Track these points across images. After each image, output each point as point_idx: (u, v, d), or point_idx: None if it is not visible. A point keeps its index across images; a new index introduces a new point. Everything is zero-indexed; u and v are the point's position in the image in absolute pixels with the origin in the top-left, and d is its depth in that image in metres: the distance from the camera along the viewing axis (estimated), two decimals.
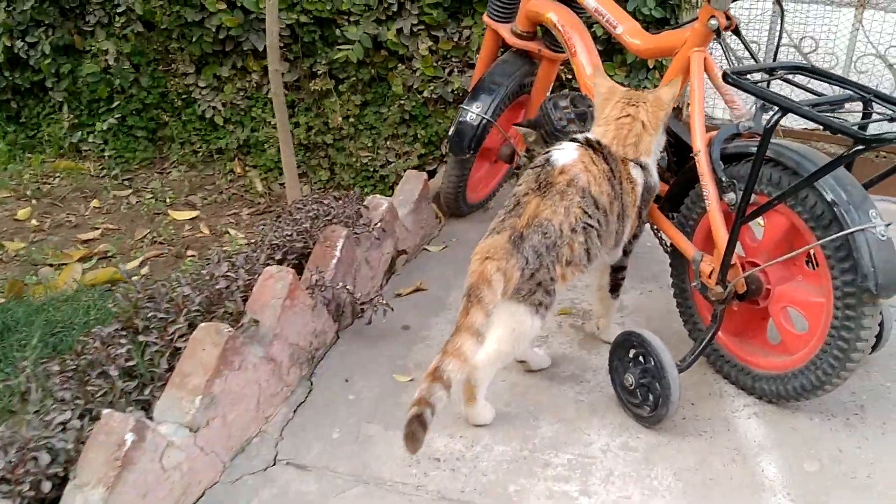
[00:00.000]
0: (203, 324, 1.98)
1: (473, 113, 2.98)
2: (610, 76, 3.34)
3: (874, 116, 2.07)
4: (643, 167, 2.24)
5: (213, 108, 4.16)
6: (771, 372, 2.25)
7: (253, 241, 2.65)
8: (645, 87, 3.50)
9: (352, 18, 3.80)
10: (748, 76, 2.12)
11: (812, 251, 2.12)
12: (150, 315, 2.08)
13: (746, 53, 2.54)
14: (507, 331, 2.05)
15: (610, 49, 3.48)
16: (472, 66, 3.66)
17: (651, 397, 2.15)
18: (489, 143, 3.18)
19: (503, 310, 2.02)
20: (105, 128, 4.25)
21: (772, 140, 2.02)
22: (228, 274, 2.29)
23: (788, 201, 2.07)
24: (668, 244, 2.49)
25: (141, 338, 2.03)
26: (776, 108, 1.97)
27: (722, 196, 2.18)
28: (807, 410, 2.25)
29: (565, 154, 2.12)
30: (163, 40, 4.14)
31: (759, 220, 2.16)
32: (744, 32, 2.46)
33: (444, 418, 2.13)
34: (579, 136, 2.18)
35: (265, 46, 3.36)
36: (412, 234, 3.05)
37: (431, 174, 3.92)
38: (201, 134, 4.28)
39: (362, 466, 2.03)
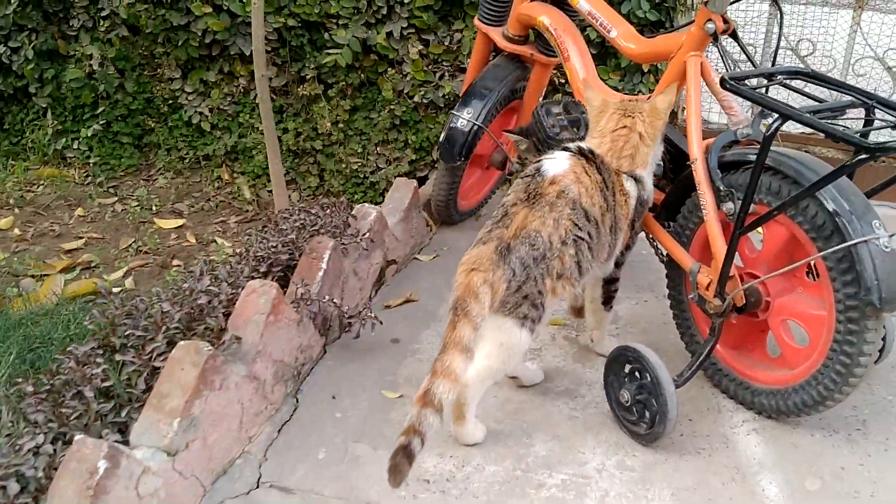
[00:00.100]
0: (182, 342, 1.90)
1: (464, 119, 2.91)
2: (604, 80, 3.30)
3: (877, 123, 2.02)
4: (637, 179, 2.17)
5: (200, 113, 4.08)
6: (770, 386, 2.18)
7: (238, 251, 2.57)
8: (640, 92, 3.43)
9: (340, 22, 3.73)
10: (746, 81, 2.06)
11: (813, 262, 2.05)
12: (127, 333, 2.00)
13: (743, 57, 2.47)
14: (496, 346, 1.97)
15: (604, 53, 3.41)
16: (464, 70, 3.59)
17: (647, 414, 2.08)
18: (480, 150, 3.11)
19: (490, 324, 1.94)
20: (90, 134, 4.17)
21: (771, 147, 1.95)
22: (210, 288, 2.21)
23: (789, 211, 2.00)
24: (664, 254, 2.42)
25: (118, 357, 1.96)
26: (776, 116, 1.91)
27: (720, 205, 2.11)
28: (808, 426, 2.19)
29: (556, 164, 2.05)
30: (148, 45, 4.07)
31: (758, 230, 2.09)
32: (740, 35, 2.39)
33: (433, 437, 2.03)
34: (572, 145, 2.11)
35: (252, 51, 3.28)
36: (402, 244, 2.98)
37: (423, 180, 3.85)
38: (188, 140, 4.21)
39: (349, 489, 1.96)
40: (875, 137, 1.87)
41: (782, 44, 3.62)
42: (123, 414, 1.89)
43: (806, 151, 3.51)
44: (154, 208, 3.92)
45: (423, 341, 2.56)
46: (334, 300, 2.38)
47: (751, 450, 2.10)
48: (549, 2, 2.82)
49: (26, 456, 1.70)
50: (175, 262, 3.45)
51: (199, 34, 3.86)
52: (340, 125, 3.89)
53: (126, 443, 1.82)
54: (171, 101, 4.15)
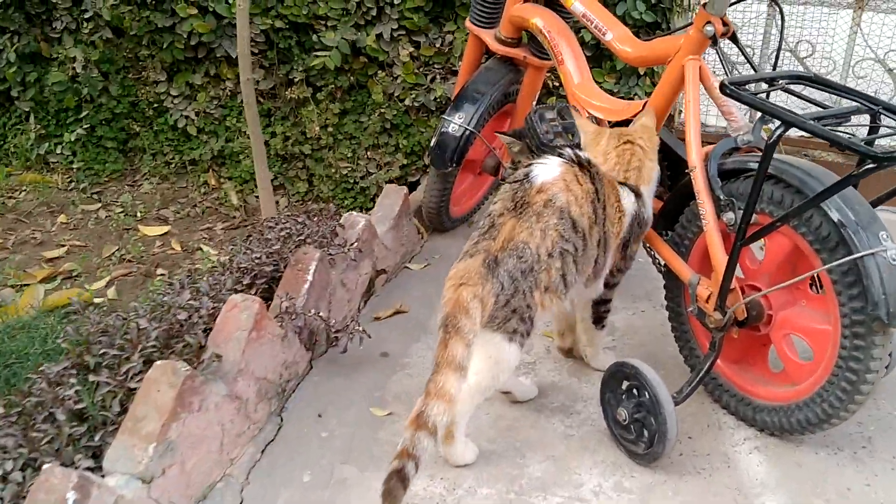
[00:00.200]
0: (158, 362, 1.81)
1: (456, 124, 2.83)
2: (599, 83, 3.21)
3: (882, 130, 1.94)
4: (638, 195, 2.09)
5: (186, 117, 3.99)
6: (773, 403, 2.10)
7: (221, 262, 2.48)
8: (635, 95, 3.35)
9: (329, 23, 3.64)
10: (747, 87, 1.98)
11: (817, 275, 1.97)
12: (102, 351, 1.91)
13: (741, 59, 2.40)
14: (485, 361, 1.89)
15: (599, 55, 3.33)
16: (455, 73, 3.51)
17: (646, 433, 2.00)
18: (473, 155, 3.02)
19: (479, 339, 1.85)
20: (73, 139, 4.07)
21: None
22: (191, 303, 2.12)
23: (792, 222, 1.92)
24: (662, 264, 2.34)
25: (92, 377, 1.87)
26: (778, 123, 1.83)
27: (720, 215, 2.04)
28: (811, 444, 2.11)
29: (546, 170, 1.97)
30: (132, 47, 3.97)
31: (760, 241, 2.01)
32: (738, 37, 2.31)
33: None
34: (566, 152, 2.02)
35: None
36: (392, 253, 2.89)
37: (414, 185, 3.77)
38: (174, 144, 4.11)
39: None
40: (888, 142, 1.80)
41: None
42: (97, 438, 1.80)
43: (805, 155, 3.47)
44: (139, 215, 3.82)
45: (413, 355, 2.47)
46: (320, 314, 2.29)
47: (753, 469, 2.03)
48: (543, 3, 2.74)
49: None
50: (159, 270, 3.36)
51: (185, 36, 3.77)
52: (329, 129, 3.80)
53: (99, 468, 1.74)
54: (156, 105, 4.05)
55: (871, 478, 2.00)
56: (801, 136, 3.39)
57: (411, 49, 3.60)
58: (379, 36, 3.59)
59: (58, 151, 4.16)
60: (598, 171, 2.01)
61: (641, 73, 3.36)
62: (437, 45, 3.59)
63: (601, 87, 3.14)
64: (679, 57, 2.21)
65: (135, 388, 1.83)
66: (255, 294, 2.33)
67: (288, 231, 2.57)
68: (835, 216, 1.86)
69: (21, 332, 2.64)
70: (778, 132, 1.82)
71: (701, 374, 2.08)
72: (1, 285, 3.20)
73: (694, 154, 2.09)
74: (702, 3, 2.14)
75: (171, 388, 1.77)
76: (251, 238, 2.63)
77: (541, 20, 2.67)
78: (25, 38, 4.05)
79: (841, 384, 1.92)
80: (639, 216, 2.10)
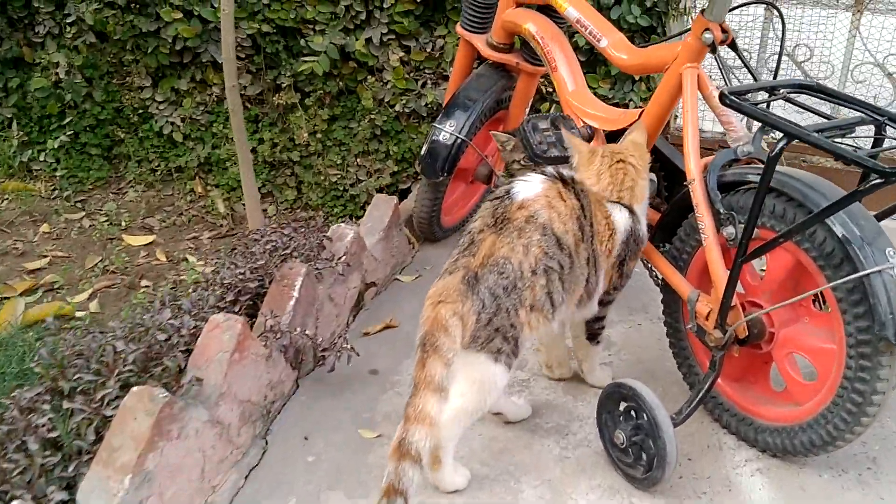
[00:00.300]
0: (135, 389, 1.73)
1: (447, 132, 2.75)
2: (593, 89, 3.15)
3: (886, 143, 1.87)
4: (632, 212, 2.02)
5: (172, 123, 3.89)
6: (775, 423, 2.03)
7: (205, 278, 2.40)
8: (631, 101, 3.27)
9: (317, 27, 3.55)
10: (747, 96, 1.91)
11: (821, 291, 1.90)
12: (77, 376, 1.83)
13: (738, 62, 2.32)
14: (470, 383, 1.80)
15: (593, 60, 3.26)
16: (447, 78, 3.42)
17: (645, 457, 1.92)
18: (465, 164, 2.94)
19: (462, 360, 1.77)
20: (57, 145, 3.97)
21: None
22: (171, 322, 2.04)
23: (795, 237, 1.85)
24: (660, 277, 2.27)
25: (66, 403, 1.78)
26: (781, 134, 1.76)
27: (720, 230, 1.96)
28: (815, 466, 2.04)
29: (528, 187, 1.89)
30: (117, 52, 3.88)
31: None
32: (737, 43, 2.24)
33: None
34: (549, 169, 1.95)
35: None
36: (382, 264, 2.81)
37: (405, 193, 3.69)
38: (159, 151, 4.02)
39: None
40: None
41: (777, 49, 3.48)
42: (71, 468, 1.72)
43: (804, 162, 3.41)
44: (123, 223, 3.73)
45: (404, 372, 2.40)
46: (307, 332, 2.21)
47: (755, 493, 1.96)
48: (536, 8, 2.66)
49: None
50: (143, 282, 3.27)
51: (170, 41, 3.68)
52: (318, 135, 3.72)
53: (73, 501, 1.66)
54: (141, 111, 3.96)
55: (877, 501, 1.94)
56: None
57: (401, 54, 3.52)
58: (368, 40, 3.50)
59: (41, 159, 4.06)
60: (582, 188, 1.94)
61: (637, 78, 3.28)
62: (428, 50, 3.51)
63: (595, 93, 3.08)
64: (677, 65, 2.14)
65: (111, 416, 1.75)
66: (240, 311, 2.25)
67: (274, 244, 2.49)
68: (839, 232, 1.79)
69: None
70: (780, 145, 1.75)
71: (701, 395, 2.01)
72: None
73: (693, 166, 2.02)
74: (700, 9, 2.08)
75: (148, 417, 1.69)
76: (236, 251, 2.55)
77: (534, 25, 2.59)
78: (7, 43, 3.96)
79: (846, 405, 1.85)
80: (634, 233, 2.03)
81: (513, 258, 1.78)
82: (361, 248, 2.63)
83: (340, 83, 3.65)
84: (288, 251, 2.44)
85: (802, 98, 2.03)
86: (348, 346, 2.29)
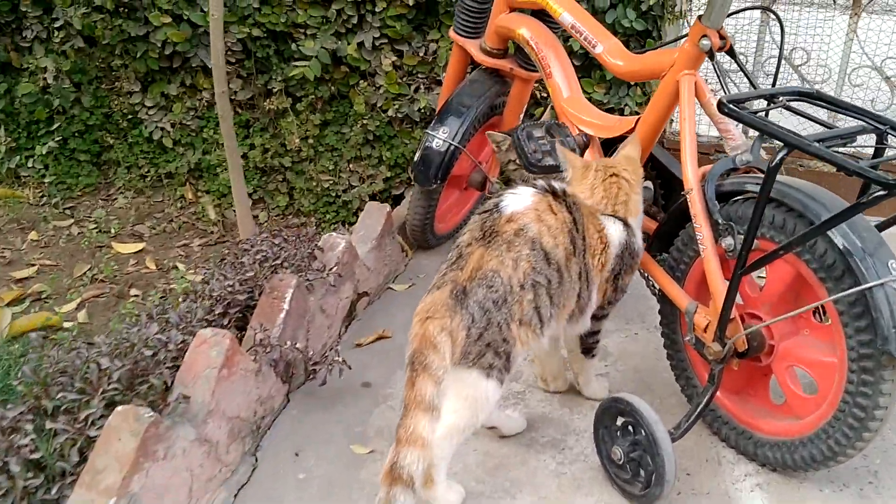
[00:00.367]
0: (119, 408, 1.68)
1: (440, 139, 2.71)
2: (588, 94, 3.11)
3: (888, 152, 1.84)
4: (626, 225, 1.99)
5: (162, 129, 3.85)
6: (775, 437, 1.99)
7: (193, 290, 2.35)
8: (626, 106, 3.23)
9: (308, 32, 3.51)
10: (746, 104, 1.87)
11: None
12: (60, 395, 1.78)
13: (732, 65, 2.28)
14: (461, 400, 1.75)
15: (588, 64, 3.21)
16: (440, 83, 3.39)
17: (643, 473, 1.88)
18: (458, 170, 2.90)
19: (452, 377, 1.72)
20: (45, 152, 3.92)
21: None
22: (158, 337, 1.99)
23: (795, 249, 1.81)
24: (657, 287, 2.23)
25: (49, 424, 1.73)
26: (781, 144, 1.72)
27: (718, 240, 1.92)
28: (816, 480, 2.00)
29: (517, 200, 1.85)
30: (105, 56, 3.83)
31: None
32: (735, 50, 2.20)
33: None
34: (539, 182, 1.91)
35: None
36: (374, 274, 2.77)
37: (398, 199, 3.65)
38: (149, 157, 3.97)
39: None
40: None
41: (774, 52, 3.44)
42: (54, 491, 1.67)
43: (801, 167, 3.37)
44: (113, 231, 3.68)
45: (396, 385, 2.35)
46: (297, 345, 2.17)
47: None
48: (530, 13, 2.62)
49: None
50: (132, 291, 3.22)
51: (159, 45, 3.64)
52: (310, 141, 3.67)
53: None
54: (130, 116, 3.91)
55: None
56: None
57: (394, 58, 3.48)
58: (360, 45, 3.46)
59: (29, 165, 4.01)
60: (574, 201, 1.90)
61: (632, 83, 3.24)
62: (421, 54, 3.46)
63: (590, 98, 3.04)
64: (673, 72, 2.10)
65: (95, 436, 1.70)
66: (229, 324, 2.21)
67: (264, 254, 2.44)
68: (840, 243, 1.75)
69: None
70: (781, 155, 1.71)
71: (699, 409, 1.96)
72: None
73: (690, 175, 1.98)
74: (696, 13, 2.04)
75: (133, 437, 1.65)
76: (225, 262, 2.50)
77: (528, 31, 2.55)
78: None
79: (848, 420, 1.81)
80: (629, 247, 1.99)
81: (502, 272, 1.74)
82: (353, 258, 2.58)
83: (332, 88, 3.60)
84: (278, 262, 2.40)
85: (800, 105, 1.99)
86: (340, 359, 2.24)
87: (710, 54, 2.04)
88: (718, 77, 2.12)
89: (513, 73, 2.78)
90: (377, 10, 3.38)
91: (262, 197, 3.82)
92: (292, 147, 3.67)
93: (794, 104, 1.92)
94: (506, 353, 1.76)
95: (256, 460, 2.06)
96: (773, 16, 2.34)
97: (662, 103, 2.16)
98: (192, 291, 2.36)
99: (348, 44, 3.46)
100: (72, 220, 3.76)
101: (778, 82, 2.33)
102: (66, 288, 3.25)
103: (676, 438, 1.91)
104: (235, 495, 1.94)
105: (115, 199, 3.92)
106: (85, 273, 3.34)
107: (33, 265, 3.41)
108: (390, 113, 3.54)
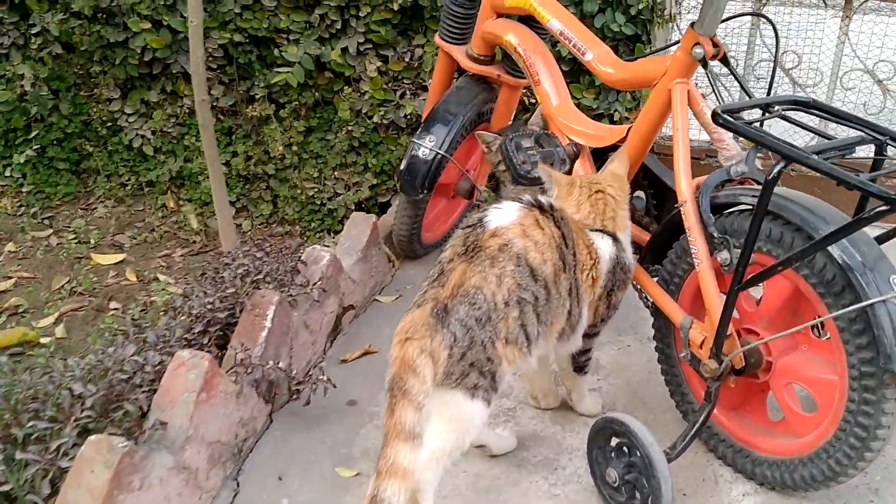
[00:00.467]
0: (92, 438, 1.61)
1: (426, 148, 2.64)
2: (576, 100, 3.05)
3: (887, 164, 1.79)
4: (615, 239, 1.93)
5: (142, 136, 3.76)
6: (774, 456, 1.94)
7: (172, 307, 2.28)
8: (615, 112, 3.18)
9: (291, 37, 3.43)
10: (741, 114, 1.81)
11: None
12: (31, 423, 1.70)
13: (723, 70, 2.23)
14: (446, 423, 1.68)
15: (576, 70, 3.15)
16: (426, 89, 3.32)
17: (638, 496, 1.82)
18: (446, 178, 2.84)
19: (436, 399, 1.64)
20: (23, 160, 3.82)
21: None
22: (135, 359, 1.92)
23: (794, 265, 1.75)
24: (650, 300, 2.17)
25: (19, 454, 1.66)
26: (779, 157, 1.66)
27: (713, 254, 1.87)
28: (816, 498, 1.95)
29: (502, 215, 1.79)
30: (84, 63, 3.74)
31: None
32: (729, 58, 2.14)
33: None
34: (525, 197, 1.85)
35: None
36: (360, 286, 2.70)
37: (385, 206, 3.58)
38: (129, 165, 3.88)
39: None
40: None
41: (765, 56, 3.40)
42: None
43: (793, 171, 3.32)
44: (92, 241, 3.59)
45: (383, 402, 2.25)
46: (280, 364, 2.10)
47: None
48: (517, 19, 2.55)
49: None
50: (112, 304, 3.14)
51: (139, 52, 3.55)
52: (294, 148, 3.60)
53: None
54: (110, 124, 3.82)
55: None
56: None
57: (379, 63, 3.40)
58: (344, 50, 3.39)
59: (6, 174, 3.91)
60: (562, 216, 1.84)
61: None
62: (406, 60, 3.40)
63: (579, 104, 2.99)
64: (666, 80, 2.05)
65: (67, 467, 1.63)
66: (209, 342, 2.13)
67: (246, 268, 2.37)
68: (840, 258, 1.70)
69: None
70: (778, 168, 1.66)
71: (696, 428, 1.90)
72: None
73: (684, 187, 1.93)
74: (686, 16, 1.98)
75: (107, 469, 1.57)
76: (205, 276, 2.43)
77: (515, 37, 2.49)
78: None
79: (849, 440, 1.76)
80: (620, 262, 1.94)
81: (485, 288, 1.67)
82: (338, 271, 2.51)
83: (316, 94, 3.53)
84: (260, 276, 2.33)
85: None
86: (324, 378, 2.17)
87: (704, 62, 1.98)
88: (712, 86, 2.05)
89: (500, 80, 2.71)
90: (361, 14, 3.31)
91: (246, 205, 3.74)
92: (276, 154, 3.60)
93: (789, 113, 1.87)
94: (491, 373, 1.69)
95: (238, 485, 1.98)
96: (763, 21, 2.29)
97: (654, 112, 2.10)
98: (172, 308, 2.29)
99: (332, 49, 3.39)
100: (50, 231, 3.67)
101: (766, 83, 2.28)
102: (44, 301, 3.17)
103: (673, 459, 1.85)
104: None
105: (95, 208, 3.83)
106: (63, 286, 3.26)
107: (10, 278, 3.32)
108: (376, 119, 3.47)
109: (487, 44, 2.64)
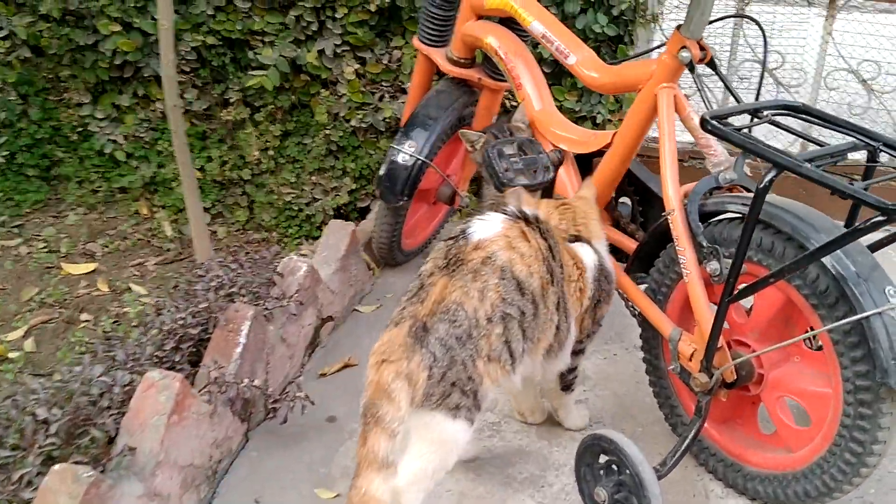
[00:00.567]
0: (56, 468, 1.53)
1: (406, 153, 2.57)
2: (558, 102, 2.99)
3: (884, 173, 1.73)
4: (593, 247, 1.90)
5: (114, 141, 3.65)
6: (766, 471, 1.88)
7: (143, 324, 2.19)
8: (598, 115, 3.12)
9: (266, 39, 3.34)
10: (729, 119, 1.75)
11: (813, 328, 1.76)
12: None
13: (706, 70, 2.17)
14: (427, 445, 1.61)
15: (558, 71, 3.09)
16: (405, 92, 3.25)
17: None
18: (426, 184, 2.76)
19: (415, 421, 1.58)
20: None
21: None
22: (103, 379, 1.84)
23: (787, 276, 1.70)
24: (638, 311, 2.11)
25: None
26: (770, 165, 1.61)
27: (702, 263, 1.81)
28: None
29: (486, 226, 1.72)
30: (53, 67, 3.63)
31: None
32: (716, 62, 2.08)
33: None
34: (510, 208, 1.78)
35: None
36: (339, 296, 2.62)
37: (364, 212, 3.50)
38: (101, 171, 3.77)
39: None
40: None
41: (748, 56, 3.36)
42: None
43: None
44: (63, 250, 3.49)
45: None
46: (255, 382, 2.02)
47: None
48: (497, 21, 2.49)
49: None
50: (83, 316, 3.04)
51: (109, 55, 3.44)
52: (270, 152, 3.51)
53: None
54: (80, 129, 3.71)
55: None
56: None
57: (356, 66, 3.32)
58: (321, 52, 3.30)
59: None
60: (547, 227, 1.78)
61: None
62: (385, 62, 3.32)
63: (561, 107, 2.93)
64: (651, 85, 1.99)
65: (31, 498, 1.55)
66: (182, 360, 2.05)
67: (220, 280, 2.29)
68: (834, 269, 1.65)
69: None
70: (770, 176, 1.61)
71: (686, 443, 1.85)
72: None
73: (672, 195, 1.88)
74: (673, 22, 1.92)
75: (72, 500, 1.49)
76: (178, 289, 2.34)
77: (495, 40, 2.42)
78: None
79: (844, 455, 1.71)
80: (603, 269, 1.90)
81: (466, 304, 1.60)
82: (316, 282, 2.43)
83: (293, 97, 3.45)
84: (234, 288, 2.25)
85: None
86: (302, 395, 2.10)
87: (691, 67, 1.93)
88: (700, 92, 2.00)
89: (481, 84, 2.65)
90: (338, 16, 3.22)
91: (221, 212, 3.65)
92: (251, 159, 3.51)
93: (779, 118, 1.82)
94: (472, 392, 1.62)
95: None
96: (750, 22, 2.23)
97: (640, 117, 2.04)
98: (143, 324, 2.20)
99: (308, 51, 3.30)
100: (20, 239, 3.56)
101: (749, 83, 2.23)
102: (13, 314, 3.07)
103: (663, 475, 1.80)
104: None
105: (66, 215, 3.72)
106: (33, 297, 3.15)
107: None
108: (354, 123, 3.38)
109: (467, 46, 2.57)
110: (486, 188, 2.36)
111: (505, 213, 1.76)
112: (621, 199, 2.35)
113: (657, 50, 2.21)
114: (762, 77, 2.11)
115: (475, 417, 1.65)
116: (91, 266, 3.38)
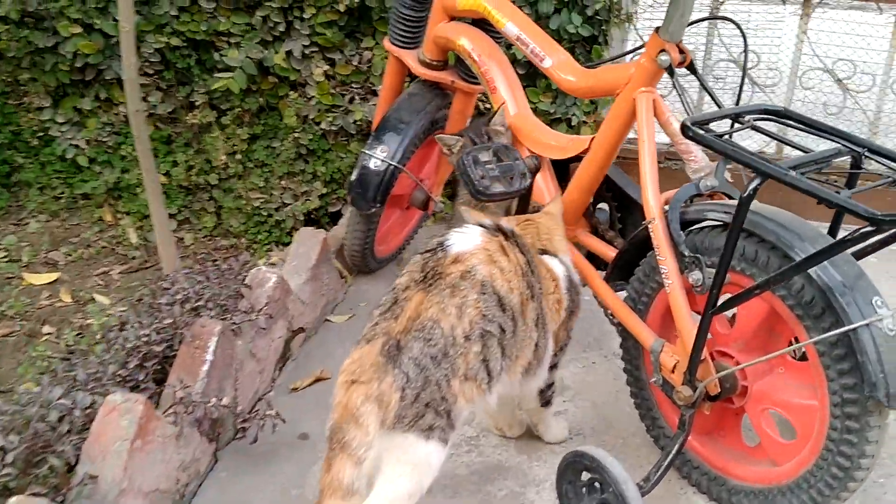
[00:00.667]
0: (12, 500, 1.45)
1: (378, 158, 2.50)
2: (533, 104, 2.93)
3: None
4: (561, 260, 1.87)
5: (76, 146, 3.54)
6: (751, 485, 1.84)
7: (106, 339, 2.10)
8: (573, 117, 3.07)
9: (232, 40, 3.25)
10: (711, 125, 1.70)
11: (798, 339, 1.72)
12: None
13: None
14: (400, 467, 1.53)
15: (532, 73, 3.03)
16: (376, 94, 3.17)
17: None
18: (399, 189, 2.69)
19: (386, 444, 1.50)
20: None
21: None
22: (62, 402, 1.75)
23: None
24: (618, 321, 2.05)
25: None
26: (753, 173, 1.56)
27: (684, 273, 1.76)
28: None
29: (465, 239, 1.66)
30: (11, 70, 3.50)
31: None
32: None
33: None
34: (488, 221, 1.72)
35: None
36: (310, 307, 2.55)
37: (335, 216, 3.42)
38: (63, 177, 3.65)
39: None
40: None
41: (724, 55, 3.32)
42: None
43: None
44: (25, 259, 3.38)
45: None
46: (223, 401, 1.94)
47: None
48: (470, 22, 2.42)
49: None
50: (45, 328, 2.94)
51: (70, 57, 3.33)
52: (238, 157, 3.42)
53: None
54: (41, 134, 3.59)
55: None
56: None
57: (326, 67, 3.24)
58: (289, 53, 3.22)
59: None
60: (523, 242, 1.73)
61: None
62: (355, 63, 3.24)
63: (536, 109, 2.87)
64: (630, 89, 1.94)
65: None
66: (146, 378, 1.97)
67: (185, 293, 2.20)
68: (819, 279, 1.61)
69: None
70: (754, 185, 1.56)
71: (670, 459, 1.80)
72: None
73: (652, 203, 1.82)
74: (642, 13, 1.87)
75: None
76: (142, 302, 2.26)
77: (468, 42, 2.36)
78: None
79: (831, 470, 1.67)
80: (571, 280, 1.86)
81: (443, 321, 1.54)
82: (286, 294, 2.36)
83: (260, 99, 3.36)
84: (201, 302, 2.16)
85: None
86: (273, 412, 2.02)
87: (670, 70, 1.88)
88: (680, 96, 1.95)
89: (454, 86, 2.58)
90: (306, 16, 3.14)
91: (188, 217, 3.55)
92: (218, 164, 3.42)
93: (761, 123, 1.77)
94: (446, 412, 1.55)
95: None
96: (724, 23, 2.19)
97: (618, 122, 1.99)
98: (106, 340, 2.11)
99: (276, 53, 3.22)
100: None
101: (724, 83, 2.19)
102: None
103: (647, 491, 1.75)
104: None
105: (27, 223, 3.60)
106: None
107: None
108: (324, 125, 3.30)
109: (440, 48, 2.51)
110: (461, 189, 2.30)
111: (483, 226, 1.70)
112: (599, 205, 2.30)
113: (636, 52, 2.16)
114: (743, 81, 2.07)
115: (449, 437, 1.58)
116: (53, 275, 3.27)
